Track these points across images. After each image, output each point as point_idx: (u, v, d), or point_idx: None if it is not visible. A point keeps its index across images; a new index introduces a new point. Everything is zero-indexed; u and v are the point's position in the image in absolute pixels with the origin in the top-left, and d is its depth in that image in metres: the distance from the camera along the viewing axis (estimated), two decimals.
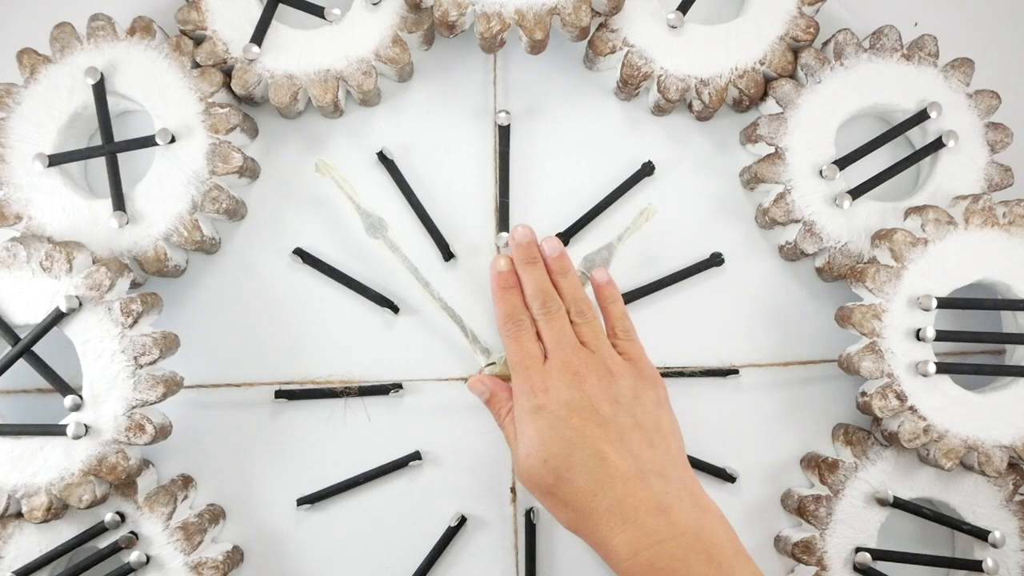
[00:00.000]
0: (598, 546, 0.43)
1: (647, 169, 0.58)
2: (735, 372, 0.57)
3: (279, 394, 0.56)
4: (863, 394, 0.53)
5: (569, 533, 0.44)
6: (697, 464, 0.56)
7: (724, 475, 0.56)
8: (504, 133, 0.57)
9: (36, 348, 0.51)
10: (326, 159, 0.55)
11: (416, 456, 0.56)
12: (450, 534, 0.55)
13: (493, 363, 0.54)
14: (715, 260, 0.57)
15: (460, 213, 0.58)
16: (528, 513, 0.55)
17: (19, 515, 0.51)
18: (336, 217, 0.57)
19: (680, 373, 0.56)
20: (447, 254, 0.57)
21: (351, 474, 0.56)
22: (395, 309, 0.56)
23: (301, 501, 0.56)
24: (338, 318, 0.57)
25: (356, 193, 0.55)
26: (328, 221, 0.57)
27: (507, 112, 0.57)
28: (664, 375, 0.56)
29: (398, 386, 0.56)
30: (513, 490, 0.56)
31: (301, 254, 0.57)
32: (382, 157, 0.57)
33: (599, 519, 0.42)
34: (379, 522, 0.56)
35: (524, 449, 0.44)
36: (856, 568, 0.53)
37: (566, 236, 0.57)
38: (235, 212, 0.56)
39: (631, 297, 0.57)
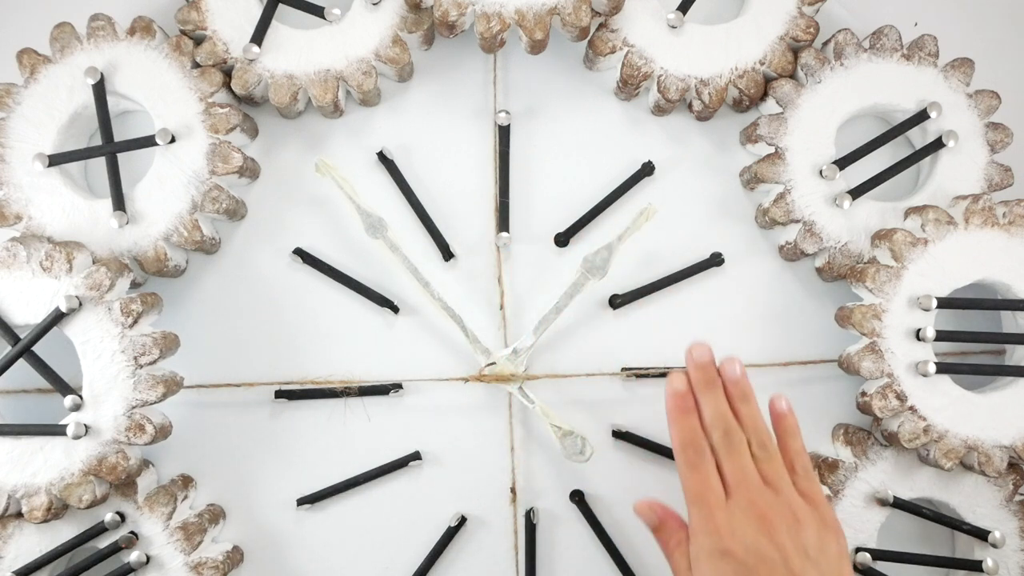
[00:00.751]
0: None
1: (647, 169, 0.58)
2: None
3: (279, 394, 0.56)
4: (863, 394, 0.53)
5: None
6: None
7: None
8: (504, 133, 0.57)
9: (36, 348, 0.51)
10: (326, 159, 0.55)
11: (416, 456, 0.56)
12: (450, 534, 0.55)
13: (493, 363, 0.54)
14: (715, 260, 0.57)
15: (460, 213, 0.58)
16: (528, 513, 0.55)
17: (19, 515, 0.51)
18: (336, 217, 0.57)
19: None
20: (447, 254, 0.57)
21: (351, 474, 0.56)
22: (395, 309, 0.57)
23: (301, 501, 0.56)
24: (338, 318, 0.57)
25: (356, 193, 0.55)
26: (328, 221, 0.57)
27: (507, 112, 0.57)
28: (664, 375, 0.56)
29: (398, 386, 0.56)
30: (513, 490, 0.56)
31: (301, 254, 0.57)
32: (382, 157, 0.57)
33: None
34: (379, 522, 0.56)
35: None
36: (856, 568, 0.53)
37: (566, 236, 0.57)
38: (235, 212, 0.56)
39: (632, 297, 0.57)
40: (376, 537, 0.56)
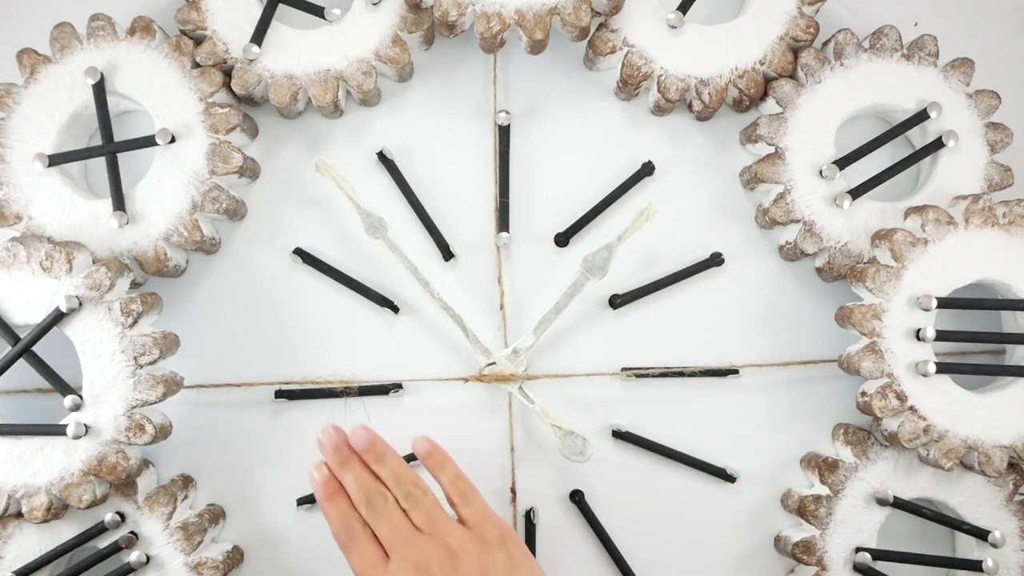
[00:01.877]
0: None
1: (647, 169, 0.58)
2: (735, 372, 0.57)
3: (279, 394, 0.56)
4: (863, 394, 0.53)
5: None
6: (697, 464, 0.56)
7: (724, 475, 0.56)
8: (504, 133, 0.57)
9: (36, 348, 0.51)
10: (326, 159, 0.55)
11: (415, 456, 0.55)
12: None
13: (493, 363, 0.54)
14: (715, 260, 0.57)
15: (460, 213, 0.58)
16: (528, 513, 0.55)
17: (19, 515, 0.51)
18: (336, 217, 0.57)
19: (680, 373, 0.56)
20: (447, 254, 0.57)
21: None
22: (395, 309, 0.57)
23: (301, 501, 0.56)
24: (338, 318, 0.57)
25: (356, 193, 0.55)
26: (328, 221, 0.57)
27: (507, 112, 0.57)
28: (664, 375, 0.56)
29: (398, 386, 0.56)
30: (513, 490, 0.56)
31: (301, 254, 0.57)
32: (382, 157, 0.57)
33: None
34: None
35: None
36: (856, 568, 0.53)
37: (566, 236, 0.57)
38: (235, 212, 0.56)
39: (632, 297, 0.57)
40: None
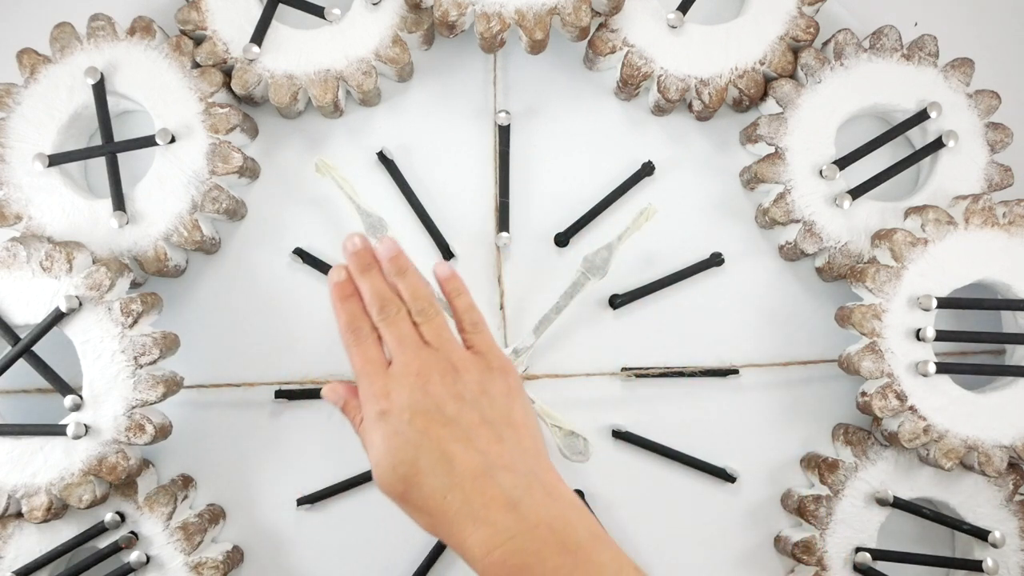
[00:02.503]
0: (456, 547, 0.42)
1: (647, 169, 0.58)
2: (735, 372, 0.57)
3: (279, 394, 0.56)
4: (863, 394, 0.53)
5: None
6: (697, 464, 0.56)
7: (724, 475, 0.56)
8: (504, 133, 0.57)
9: (36, 348, 0.51)
10: (326, 159, 0.55)
11: None
12: None
13: None
14: (715, 260, 0.57)
15: (460, 213, 0.58)
16: None
17: (19, 515, 0.51)
18: (336, 217, 0.57)
19: (680, 373, 0.56)
20: (447, 254, 0.57)
21: (351, 474, 0.56)
22: None
23: (301, 501, 0.56)
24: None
25: (356, 193, 0.55)
26: (328, 221, 0.57)
27: (507, 112, 0.57)
28: (664, 375, 0.56)
29: None
30: None
31: (301, 254, 0.57)
32: (382, 157, 0.57)
33: (452, 521, 0.41)
34: (379, 522, 0.56)
35: (374, 457, 0.43)
36: (856, 568, 0.53)
37: (566, 236, 0.57)
38: (235, 212, 0.56)
39: (632, 297, 0.57)
40: (376, 537, 0.56)
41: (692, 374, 0.56)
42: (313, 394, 0.56)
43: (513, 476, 0.42)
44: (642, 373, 0.56)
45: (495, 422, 0.44)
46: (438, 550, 0.55)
